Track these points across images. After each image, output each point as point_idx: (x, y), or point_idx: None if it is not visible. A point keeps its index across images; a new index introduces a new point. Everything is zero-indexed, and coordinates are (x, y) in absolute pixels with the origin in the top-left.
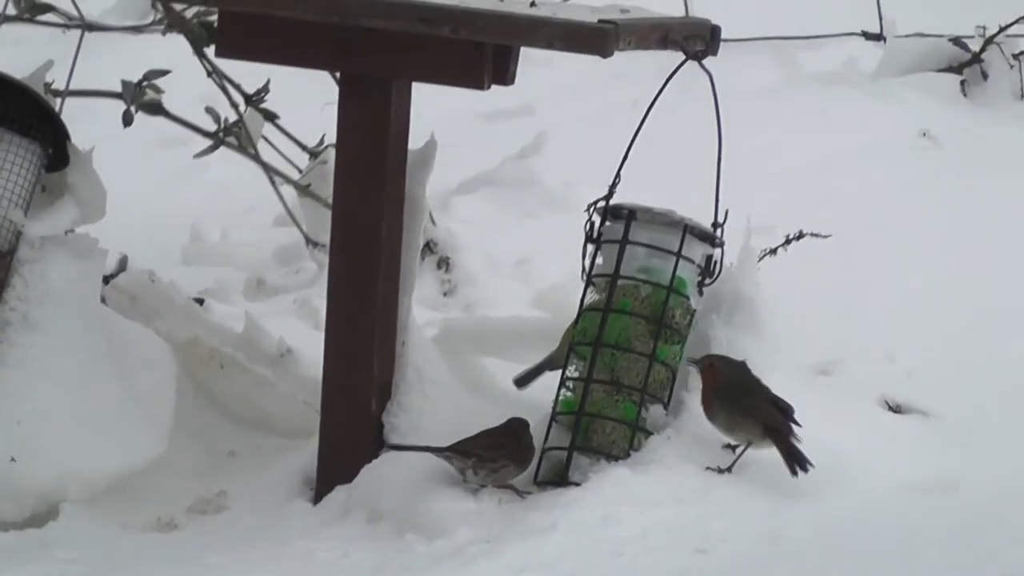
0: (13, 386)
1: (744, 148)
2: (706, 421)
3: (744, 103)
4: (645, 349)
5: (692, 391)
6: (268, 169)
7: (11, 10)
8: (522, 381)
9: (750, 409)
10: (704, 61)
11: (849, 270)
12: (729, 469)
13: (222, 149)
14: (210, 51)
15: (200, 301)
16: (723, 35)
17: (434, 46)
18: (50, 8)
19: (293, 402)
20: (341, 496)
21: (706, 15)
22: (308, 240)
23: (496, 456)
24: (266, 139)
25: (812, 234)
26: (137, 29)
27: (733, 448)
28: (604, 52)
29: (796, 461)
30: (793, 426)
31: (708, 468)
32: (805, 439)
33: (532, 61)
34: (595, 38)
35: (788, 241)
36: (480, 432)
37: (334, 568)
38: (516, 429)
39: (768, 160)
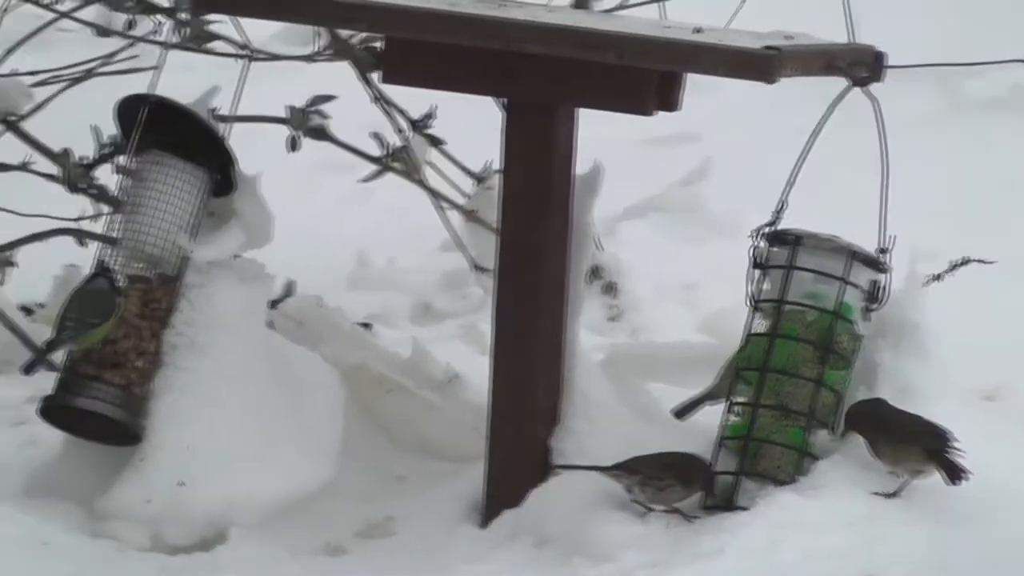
0: (181, 411)
1: (908, 174)
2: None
3: (908, 129)
4: (812, 374)
5: None
6: (434, 195)
7: (177, 38)
8: (682, 413)
9: (908, 435)
10: (868, 87)
11: (1014, 296)
12: (896, 494)
13: (388, 175)
14: (375, 77)
15: (367, 326)
16: (887, 61)
17: (599, 72)
18: (216, 37)
19: (460, 427)
20: (508, 520)
21: (870, 41)
22: (474, 265)
23: (662, 475)
24: (431, 165)
25: (977, 260)
26: (307, 58)
27: (900, 475)
28: (769, 78)
29: (955, 473)
30: (954, 444)
31: (875, 493)
32: (972, 465)
33: (698, 88)
34: (760, 64)
35: (954, 267)
36: (653, 454)
37: None
38: (689, 457)
39: (933, 186)
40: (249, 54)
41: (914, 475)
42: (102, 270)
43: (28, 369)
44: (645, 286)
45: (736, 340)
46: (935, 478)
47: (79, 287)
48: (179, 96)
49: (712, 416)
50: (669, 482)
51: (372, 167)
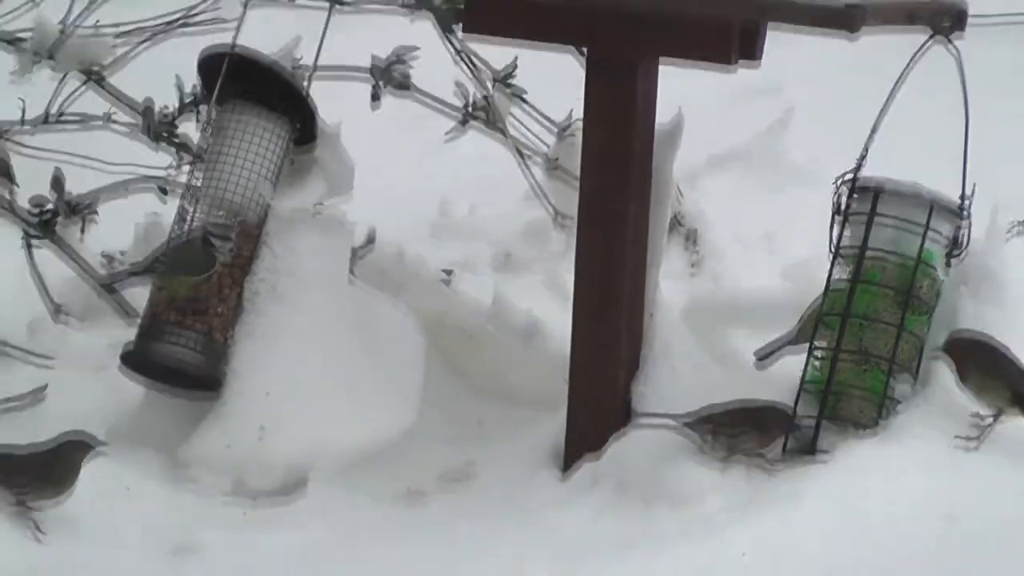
0: (262, 357)
1: (990, 124)
2: (955, 390)
3: (990, 79)
4: (893, 320)
5: (940, 361)
6: (516, 146)
7: None
8: (763, 357)
9: (1003, 376)
10: (951, 39)
11: None
12: (979, 441)
13: (471, 126)
14: (457, 30)
15: (448, 275)
16: (969, 13)
17: (681, 24)
18: None
19: (541, 374)
20: (589, 467)
21: None
22: (556, 215)
23: (735, 422)
24: (514, 117)
25: None
26: (387, 4)
27: (982, 419)
28: (852, 29)
29: None
30: None
31: (957, 437)
32: None
33: (779, 41)
34: (843, 16)
35: None
36: (729, 402)
37: (582, 538)
38: (762, 404)
39: (1015, 136)
40: (331, 2)
41: (996, 414)
42: (206, 232)
43: (107, 284)
44: (726, 235)
45: (817, 288)
46: (1018, 425)
47: (180, 241)
48: (259, 48)
49: (793, 362)
50: (742, 429)
51: (454, 119)
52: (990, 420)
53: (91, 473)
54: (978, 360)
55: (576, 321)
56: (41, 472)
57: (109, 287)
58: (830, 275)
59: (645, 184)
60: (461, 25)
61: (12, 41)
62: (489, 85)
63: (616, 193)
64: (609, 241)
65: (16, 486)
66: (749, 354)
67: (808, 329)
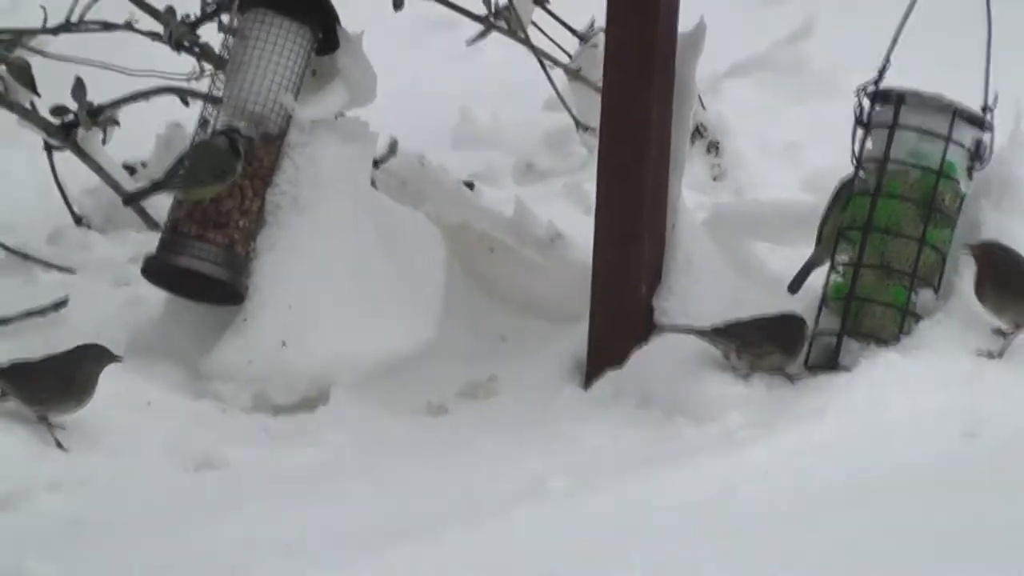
0: (283, 270)
1: (1013, 32)
2: (976, 305)
3: None
4: (915, 233)
5: (962, 275)
6: (538, 53)
7: None
8: (794, 286)
9: (1022, 293)
10: None
11: None
12: (1000, 354)
13: (492, 33)
14: None
15: (470, 185)
16: None
17: None
18: None
19: (563, 286)
20: (611, 381)
21: None
22: (578, 124)
23: (760, 341)
24: (535, 24)
25: None
26: None
27: (1004, 334)
28: None
29: None
30: None
31: (978, 352)
32: None
33: None
34: None
35: None
36: (751, 318)
37: (604, 452)
38: (787, 319)
39: None
40: None
41: (1014, 329)
42: (229, 130)
43: (128, 200)
44: (748, 145)
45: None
46: None
47: (203, 140)
48: None
49: (815, 275)
50: (768, 348)
51: (476, 25)
52: (1011, 335)
53: (112, 387)
54: (998, 280)
55: (598, 231)
56: (60, 384)
57: (131, 200)
58: (852, 186)
59: (668, 85)
60: None
61: None
62: None
63: (639, 93)
64: (631, 147)
65: (37, 401)
66: (771, 265)
67: (829, 244)
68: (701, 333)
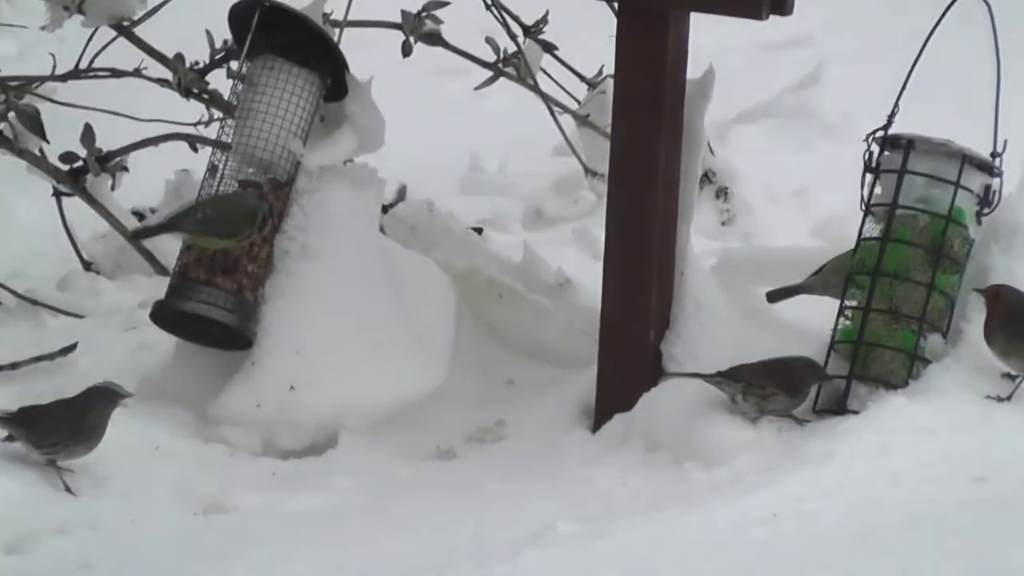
0: (292, 315)
1: (1022, 77)
2: (985, 349)
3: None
4: (923, 278)
5: (971, 321)
6: (547, 99)
7: None
8: (774, 296)
9: None
10: None
11: None
12: (1009, 398)
13: (501, 80)
14: None
15: (479, 231)
16: None
17: None
18: None
19: (571, 332)
20: (619, 425)
21: None
22: (587, 170)
23: (765, 383)
24: (544, 71)
25: None
26: None
27: (1012, 378)
28: None
29: None
30: None
31: (987, 397)
32: None
33: None
34: None
35: None
36: (758, 361)
37: (613, 496)
38: (792, 361)
39: None
40: None
41: (1022, 373)
42: (258, 186)
43: (137, 234)
44: (757, 191)
45: (848, 244)
46: None
47: (230, 193)
48: (291, 2)
49: (824, 320)
50: (772, 391)
51: (485, 72)
52: (1020, 379)
53: (120, 431)
54: (1006, 324)
55: (606, 276)
56: (71, 428)
57: (140, 235)
58: (861, 231)
59: (676, 132)
60: None
61: None
62: (520, 38)
63: (647, 139)
64: (640, 193)
65: (47, 444)
66: (780, 311)
67: (825, 280)
68: (707, 377)
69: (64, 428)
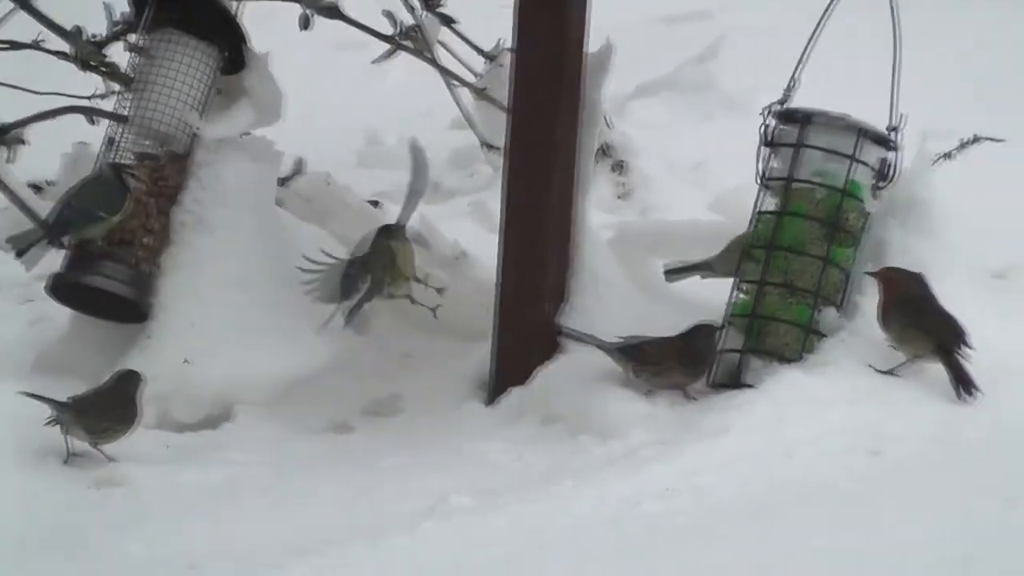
0: (188, 288)
1: (920, 53)
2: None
3: (920, 8)
4: (819, 252)
5: (866, 294)
6: (445, 73)
7: None
8: (672, 273)
9: (925, 324)
10: None
11: None
12: (892, 372)
13: (399, 53)
14: None
15: (376, 204)
16: None
17: None
18: None
19: (468, 305)
20: (515, 398)
21: None
22: (484, 143)
23: (660, 359)
24: (442, 44)
25: (987, 138)
26: None
27: (901, 359)
28: None
29: (964, 384)
30: (966, 349)
31: (871, 367)
32: (980, 341)
33: None
34: None
35: (963, 145)
36: (657, 337)
37: (508, 470)
38: (691, 333)
39: (944, 65)
40: None
41: (913, 359)
42: (114, 165)
43: (20, 254)
44: (655, 164)
45: (745, 218)
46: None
47: (89, 177)
48: None
49: (720, 294)
50: (668, 365)
51: (384, 46)
52: (905, 361)
53: (15, 404)
54: (902, 310)
55: (503, 249)
56: (119, 413)
57: (22, 255)
58: (756, 205)
59: (575, 105)
60: None
61: None
62: (418, 11)
63: (545, 113)
64: (537, 166)
65: (100, 431)
66: (677, 285)
67: (729, 261)
68: (601, 346)
69: (113, 414)
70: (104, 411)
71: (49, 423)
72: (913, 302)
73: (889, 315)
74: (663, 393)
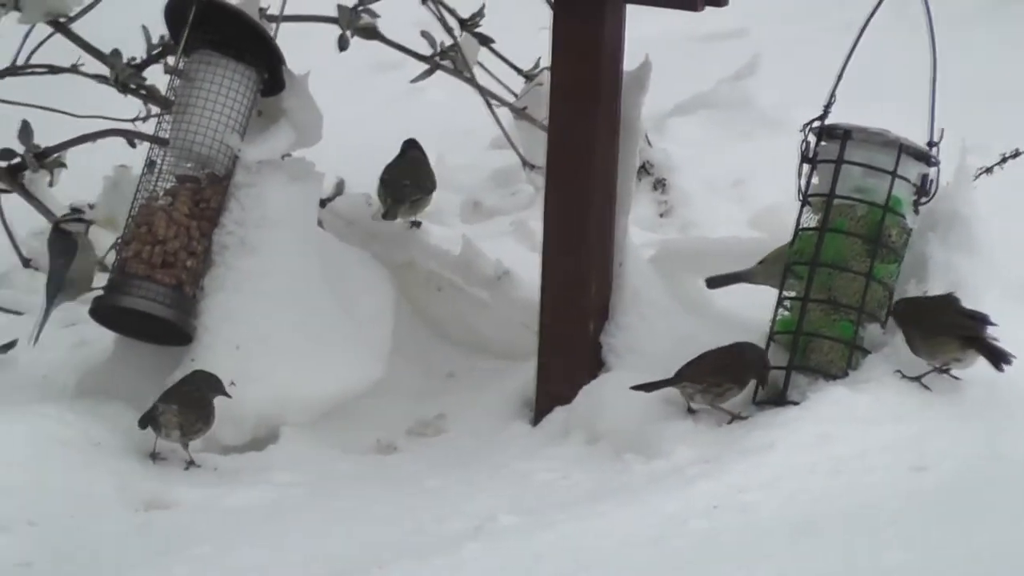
0: (231, 310)
1: (959, 68)
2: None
3: (959, 23)
4: (862, 268)
5: None
6: (484, 92)
7: None
8: (714, 282)
9: (940, 326)
10: None
11: None
12: (918, 379)
13: (438, 73)
14: None
15: (417, 224)
16: None
17: None
18: None
19: (511, 324)
20: (560, 417)
21: None
22: (524, 162)
23: (721, 380)
24: (481, 64)
25: None
26: None
27: (946, 371)
28: None
29: (998, 357)
30: (988, 327)
31: (902, 375)
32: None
33: None
34: None
35: (1004, 159)
36: (704, 353)
37: (553, 489)
38: (738, 349)
39: (984, 80)
40: None
41: (954, 364)
42: (56, 225)
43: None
44: (695, 182)
45: (786, 235)
46: (985, 373)
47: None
48: None
49: (763, 310)
50: (728, 386)
51: (422, 66)
52: (944, 369)
53: (60, 427)
54: (918, 324)
55: (545, 269)
56: (205, 413)
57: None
58: (798, 222)
59: (613, 123)
60: None
61: None
62: (456, 31)
63: (584, 131)
64: (578, 185)
65: (194, 432)
66: (718, 301)
67: (768, 270)
68: (671, 383)
69: (203, 413)
70: (197, 414)
71: (149, 418)
72: (922, 313)
73: (914, 340)
74: (708, 411)
